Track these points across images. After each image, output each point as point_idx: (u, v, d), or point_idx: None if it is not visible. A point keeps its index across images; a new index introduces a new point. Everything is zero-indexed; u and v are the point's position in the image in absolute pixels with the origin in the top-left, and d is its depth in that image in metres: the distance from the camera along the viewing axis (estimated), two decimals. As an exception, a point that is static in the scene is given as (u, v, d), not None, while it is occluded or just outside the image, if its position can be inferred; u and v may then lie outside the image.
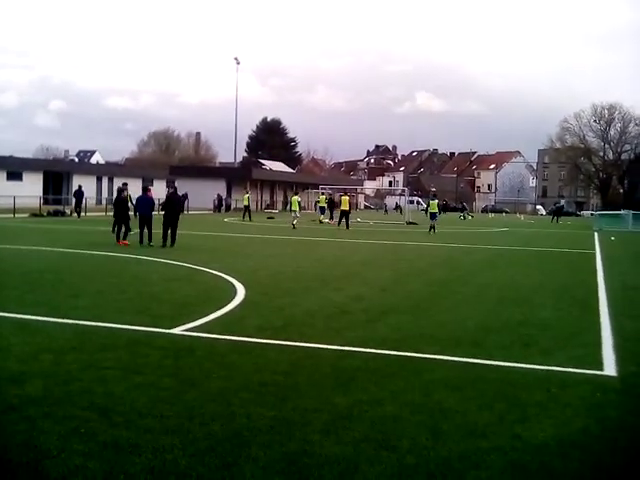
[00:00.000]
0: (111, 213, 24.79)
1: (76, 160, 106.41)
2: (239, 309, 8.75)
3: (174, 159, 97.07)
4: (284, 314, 8.43)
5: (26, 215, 34.56)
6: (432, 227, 30.34)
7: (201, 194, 55.28)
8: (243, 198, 42.03)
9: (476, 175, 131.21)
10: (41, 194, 43.69)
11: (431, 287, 11.69)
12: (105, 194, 53.01)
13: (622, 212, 46.46)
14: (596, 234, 32.70)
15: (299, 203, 32.16)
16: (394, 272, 13.78)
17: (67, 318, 7.67)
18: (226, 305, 8.87)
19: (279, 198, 72.88)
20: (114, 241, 18.37)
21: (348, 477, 3.64)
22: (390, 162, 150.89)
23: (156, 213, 19.21)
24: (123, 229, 18.69)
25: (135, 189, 30.25)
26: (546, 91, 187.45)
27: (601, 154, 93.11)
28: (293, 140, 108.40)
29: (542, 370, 5.99)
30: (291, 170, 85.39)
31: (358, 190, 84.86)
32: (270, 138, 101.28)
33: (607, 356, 6.60)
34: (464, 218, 53.68)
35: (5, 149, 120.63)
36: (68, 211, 37.69)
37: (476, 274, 14.08)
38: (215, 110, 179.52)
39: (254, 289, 10.50)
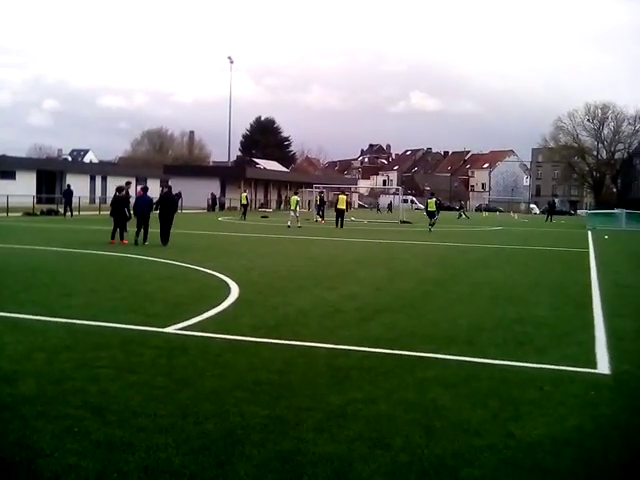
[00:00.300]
0: (106, 212, 24.61)
1: (69, 159, 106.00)
2: (233, 308, 8.74)
3: (168, 158, 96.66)
4: (278, 313, 8.43)
5: (19, 214, 34.48)
6: (431, 225, 30.46)
7: (195, 193, 55.18)
8: (241, 197, 41.90)
9: (470, 174, 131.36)
10: (34, 193, 43.51)
11: (425, 286, 11.70)
12: (99, 193, 52.76)
13: (615, 211, 46.71)
14: (590, 233, 32.83)
15: (298, 203, 31.76)
16: (388, 271, 13.79)
17: (60, 317, 7.65)
18: (220, 304, 8.86)
19: (273, 197, 72.88)
20: (112, 241, 18.24)
21: (342, 475, 3.64)
22: (384, 161, 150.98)
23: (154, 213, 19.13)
24: (123, 228, 18.59)
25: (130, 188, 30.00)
26: (540, 91, 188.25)
27: (595, 153, 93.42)
28: (287, 139, 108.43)
29: (536, 368, 6.01)
30: (285, 169, 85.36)
31: (352, 189, 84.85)
32: (264, 137, 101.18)
33: (601, 354, 6.62)
34: (466, 217, 53.76)
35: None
36: (61, 210, 37.57)
37: (470, 273, 14.10)
38: (209, 109, 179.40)
39: (248, 288, 10.49)
